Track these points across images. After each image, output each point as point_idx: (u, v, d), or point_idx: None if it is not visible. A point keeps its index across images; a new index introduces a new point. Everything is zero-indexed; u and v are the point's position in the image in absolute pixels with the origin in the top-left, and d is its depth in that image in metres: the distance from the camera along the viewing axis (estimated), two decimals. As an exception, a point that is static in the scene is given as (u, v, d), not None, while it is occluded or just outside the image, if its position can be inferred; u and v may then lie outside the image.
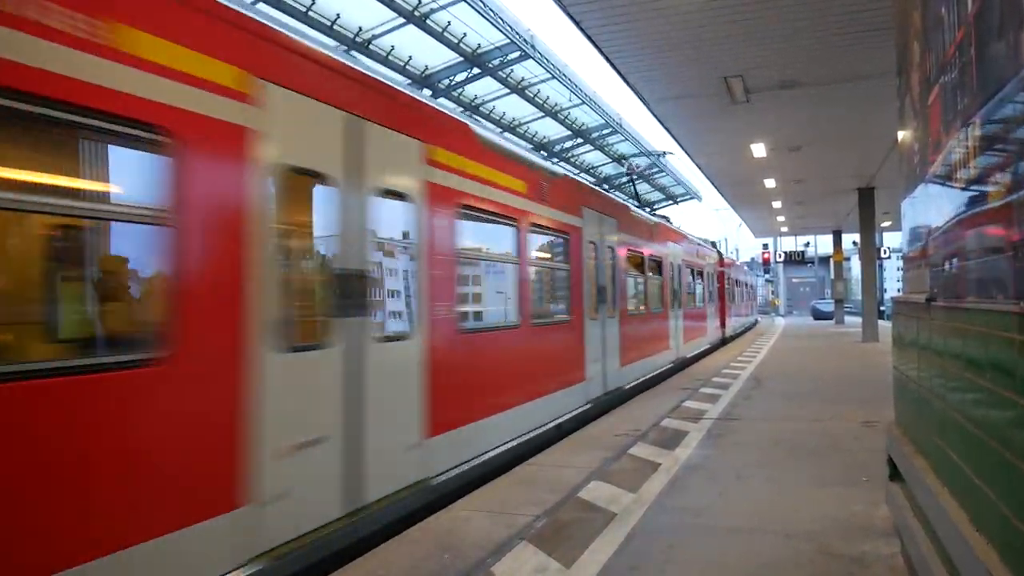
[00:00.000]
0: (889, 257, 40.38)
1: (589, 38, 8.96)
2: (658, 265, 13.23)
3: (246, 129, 3.52)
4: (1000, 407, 1.68)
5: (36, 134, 2.93)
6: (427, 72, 14.87)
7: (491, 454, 5.97)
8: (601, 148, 22.70)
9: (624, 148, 23.15)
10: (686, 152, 15.60)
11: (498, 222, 6.57)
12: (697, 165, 17.25)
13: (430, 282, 5.14)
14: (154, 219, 3.10)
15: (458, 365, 5.52)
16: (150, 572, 2.91)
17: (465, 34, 13.87)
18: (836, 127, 13.60)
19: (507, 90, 16.83)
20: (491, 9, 13.18)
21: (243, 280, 3.46)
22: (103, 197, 3.36)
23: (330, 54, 4.39)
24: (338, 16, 12.49)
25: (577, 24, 8.48)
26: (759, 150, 15.10)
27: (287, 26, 4.32)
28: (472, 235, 6.11)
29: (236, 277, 3.44)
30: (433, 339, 5.09)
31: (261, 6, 10.68)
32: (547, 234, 7.84)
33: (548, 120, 19.41)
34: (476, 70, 15.27)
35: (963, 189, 2.11)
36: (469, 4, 12.76)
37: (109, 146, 3.21)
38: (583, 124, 20.54)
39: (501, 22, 13.63)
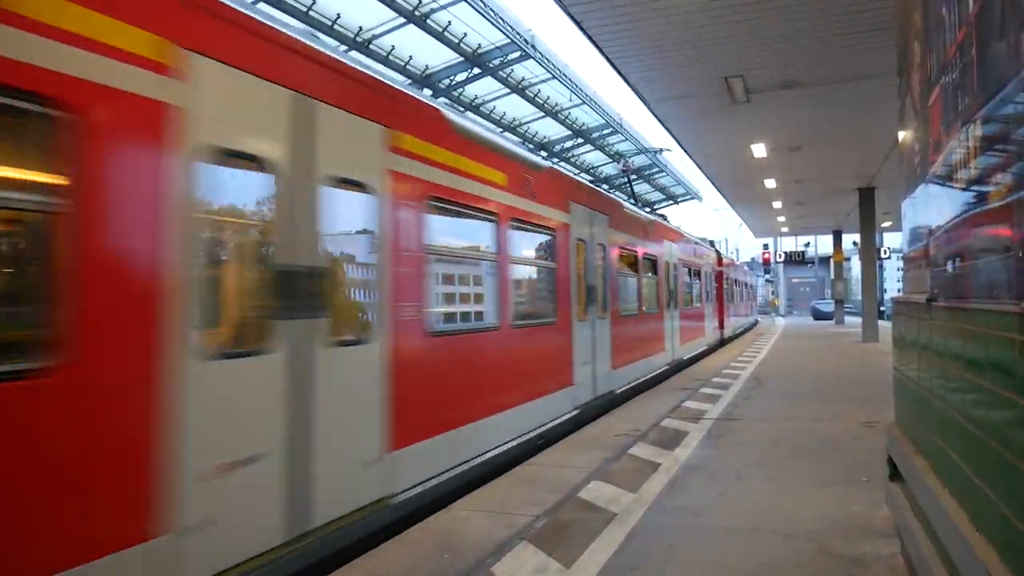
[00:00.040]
0: (889, 257, 40.39)
1: (590, 38, 8.96)
2: (653, 264, 12.88)
3: (166, 105, 3.09)
4: (1000, 407, 1.68)
5: None
6: (427, 72, 14.88)
7: (465, 466, 5.51)
8: (601, 148, 22.71)
9: (624, 148, 23.16)
10: (686, 152, 15.60)
11: (475, 217, 6.11)
12: (697, 165, 17.25)
13: (394, 281, 4.69)
14: (46, 205, 2.69)
15: (428, 371, 5.08)
16: None
17: (465, 34, 13.88)
18: (836, 127, 13.60)
19: (507, 90, 16.85)
20: (491, 9, 13.19)
21: (159, 277, 3.04)
22: None
23: (274, 26, 3.91)
24: (338, 16, 12.50)
25: (578, 24, 8.48)
26: (759, 150, 15.10)
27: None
28: (445, 230, 5.73)
29: (150, 273, 3.02)
30: (398, 343, 4.65)
31: (262, 6, 10.68)
32: (531, 230, 7.36)
33: (548, 120, 19.43)
34: (476, 70, 15.28)
35: (964, 189, 2.11)
36: (469, 4, 12.77)
37: None
38: (583, 124, 20.55)
39: (501, 22, 13.64)
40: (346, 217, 4.48)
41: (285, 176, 3.77)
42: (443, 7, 12.82)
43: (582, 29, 8.64)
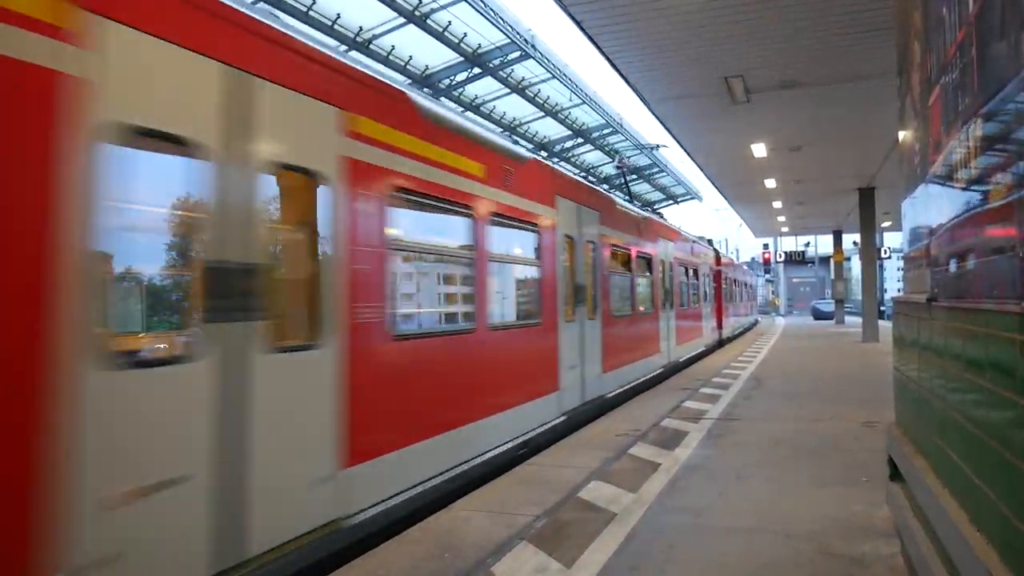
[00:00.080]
0: (889, 257, 40.42)
1: (590, 38, 8.96)
2: (648, 263, 12.47)
3: (62, 76, 2.71)
4: (1001, 407, 1.68)
5: None
6: (427, 72, 14.89)
7: (435, 481, 5.06)
8: (601, 148, 22.72)
9: (625, 148, 23.16)
10: (686, 152, 15.60)
11: (448, 211, 5.65)
12: (697, 165, 17.25)
13: (351, 279, 4.24)
14: None
15: (391, 378, 4.65)
16: None
17: (466, 34, 13.88)
18: (836, 127, 13.60)
19: (507, 90, 16.86)
20: (491, 9, 13.20)
21: (48, 275, 2.64)
22: None
23: None
24: (338, 16, 12.51)
25: (578, 24, 8.48)
26: (759, 150, 15.10)
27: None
28: (412, 225, 5.33)
29: (36, 271, 2.62)
30: (355, 347, 4.20)
31: (262, 6, 10.68)
32: (513, 226, 6.88)
33: (548, 120, 19.44)
34: (476, 70, 15.29)
35: (964, 189, 2.11)
36: (469, 4, 12.78)
37: None
38: (583, 124, 20.56)
39: (501, 22, 13.65)
40: (292, 208, 4.10)
41: (216, 160, 3.36)
42: (443, 7, 12.83)
43: (582, 29, 8.64)
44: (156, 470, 2.99)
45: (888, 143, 14.13)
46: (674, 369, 13.71)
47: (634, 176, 26.24)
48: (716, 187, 21.27)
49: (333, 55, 4.44)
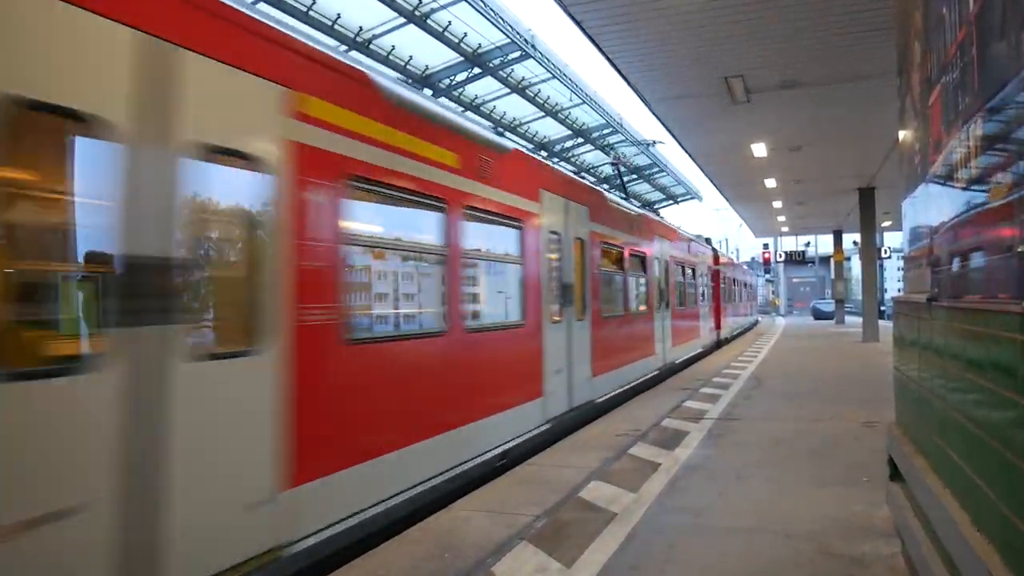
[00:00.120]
0: (889, 257, 40.43)
1: (590, 38, 8.96)
2: (642, 261, 12.03)
3: None
4: (1001, 407, 1.68)
5: None
6: (428, 72, 14.89)
7: (399, 499, 4.59)
8: (601, 148, 22.72)
9: (625, 148, 23.17)
10: (686, 152, 15.60)
11: (416, 203, 5.22)
12: (697, 165, 17.25)
13: (298, 277, 3.81)
14: None
15: (345, 386, 4.20)
16: None
17: (466, 34, 13.88)
18: (837, 127, 13.60)
19: (507, 90, 16.85)
20: (491, 9, 13.20)
21: None
22: None
23: None
24: (339, 16, 12.51)
25: (578, 24, 8.48)
26: (759, 150, 15.11)
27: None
28: (373, 218, 4.93)
29: None
30: (301, 353, 3.77)
31: (262, 6, 10.68)
32: (492, 221, 6.43)
33: (548, 120, 19.44)
34: (477, 70, 15.29)
35: (964, 189, 2.11)
36: (470, 4, 12.78)
37: None
38: (583, 124, 20.56)
39: (502, 22, 13.65)
40: (225, 196, 3.65)
41: (125, 140, 2.93)
42: (443, 7, 12.83)
43: (582, 29, 8.64)
44: (42, 500, 2.59)
45: (888, 143, 14.13)
46: (670, 371, 13.40)
47: (634, 176, 26.24)
48: (716, 187, 21.27)
49: (278, 28, 3.96)
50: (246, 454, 3.46)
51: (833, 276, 33.55)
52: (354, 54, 12.17)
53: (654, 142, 20.16)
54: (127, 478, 2.86)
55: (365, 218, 4.74)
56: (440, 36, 13.54)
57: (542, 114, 18.84)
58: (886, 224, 29.89)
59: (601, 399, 9.16)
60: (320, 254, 4.04)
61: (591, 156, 23.62)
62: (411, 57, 14.34)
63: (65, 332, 2.99)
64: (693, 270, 17.06)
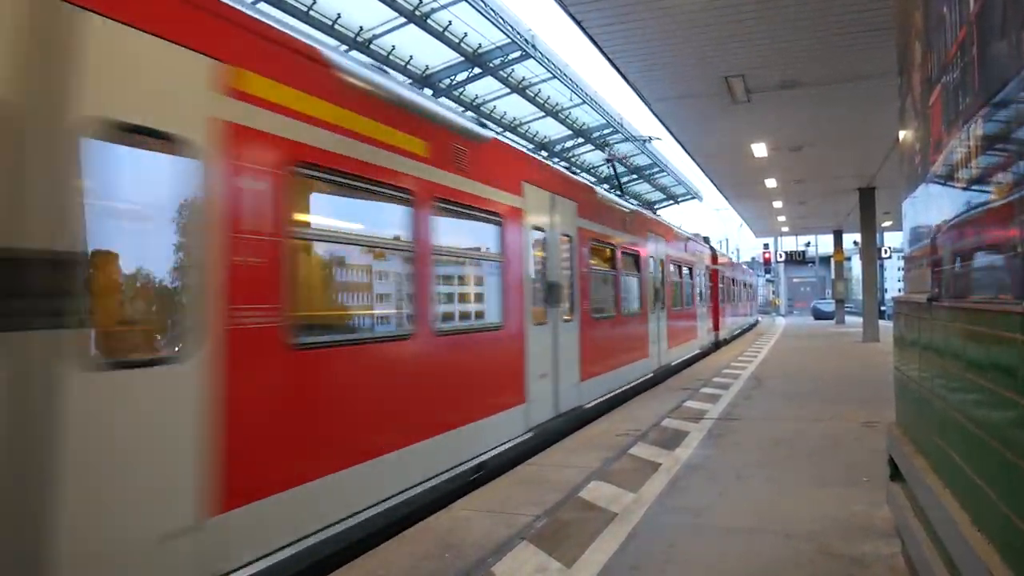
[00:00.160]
0: (890, 257, 40.42)
1: (590, 38, 8.96)
2: (635, 260, 11.61)
3: None
4: (1001, 407, 1.68)
5: None
6: (428, 72, 14.90)
7: (351, 522, 4.09)
8: (601, 148, 22.73)
9: (625, 148, 23.18)
10: (687, 152, 15.61)
11: (377, 194, 4.75)
12: (697, 165, 17.26)
13: (230, 274, 3.39)
14: None
15: (288, 398, 3.79)
16: None
17: (466, 34, 13.89)
18: (837, 127, 13.61)
19: (508, 90, 16.87)
20: (492, 9, 13.21)
21: None
22: None
23: None
24: (339, 16, 12.51)
25: (578, 24, 8.49)
26: (760, 150, 15.11)
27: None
28: (325, 209, 4.56)
29: None
30: (233, 360, 3.35)
31: (262, 6, 10.69)
32: (467, 215, 5.96)
33: (549, 120, 19.45)
34: (477, 70, 15.30)
35: (964, 189, 2.11)
36: (470, 4, 12.79)
37: None
38: (584, 124, 20.56)
39: (502, 22, 13.66)
40: (136, 181, 3.22)
41: (7, 114, 2.57)
42: (443, 7, 12.84)
43: (582, 29, 8.64)
44: None
45: (888, 143, 14.14)
46: (666, 374, 13.08)
47: (634, 176, 26.24)
48: (716, 187, 21.28)
49: None
50: (162, 477, 3.01)
51: (833, 276, 33.55)
52: (354, 54, 12.18)
53: (651, 138, 20.05)
54: (10, 506, 2.48)
55: (316, 210, 4.35)
56: (440, 36, 13.55)
57: (542, 114, 18.85)
58: (886, 224, 29.90)
59: (590, 404, 8.71)
60: (258, 249, 3.59)
61: (591, 156, 23.63)
62: (411, 57, 14.35)
63: None
64: (690, 269, 16.76)
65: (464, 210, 5.85)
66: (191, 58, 3.23)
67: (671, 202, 31.73)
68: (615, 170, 18.81)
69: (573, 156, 22.91)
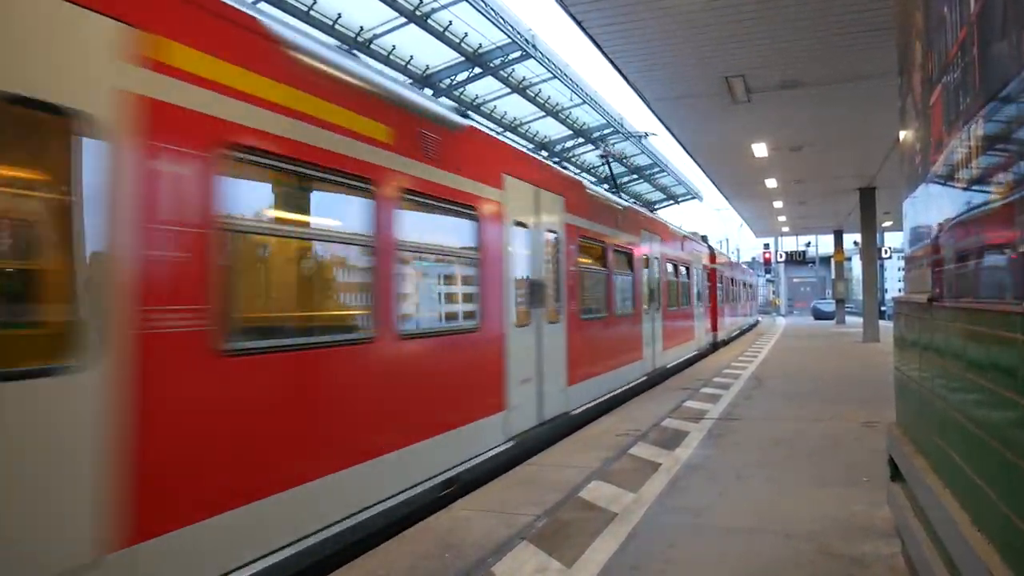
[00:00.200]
0: (890, 257, 40.40)
1: (590, 38, 8.97)
2: (628, 258, 11.19)
3: None
4: (1001, 407, 1.68)
5: None
6: (428, 72, 14.89)
7: (288, 551, 3.61)
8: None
9: (625, 148, 23.18)
10: (687, 152, 15.61)
11: (329, 182, 4.30)
12: (698, 165, 17.26)
13: (144, 271, 2.96)
14: None
15: (217, 411, 3.33)
16: None
17: (466, 34, 13.88)
18: (837, 127, 13.61)
19: (508, 90, 16.86)
20: (492, 9, 13.21)
21: None
22: None
23: None
24: (339, 16, 12.51)
25: (579, 24, 8.49)
26: (760, 150, 15.11)
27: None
28: (266, 198, 4.08)
29: None
30: (147, 369, 2.92)
31: (263, 6, 10.69)
32: (437, 208, 5.49)
33: (549, 120, 19.45)
34: (477, 70, 15.29)
35: (965, 189, 2.11)
36: (470, 3, 12.78)
37: None
38: (584, 124, 20.56)
39: (502, 22, 13.66)
40: (25, 161, 2.85)
41: None
42: (444, 7, 12.83)
43: (583, 29, 8.64)
44: None
45: (888, 143, 14.14)
46: (661, 376, 12.73)
47: (635, 176, 26.24)
48: (716, 187, 21.27)
49: None
50: (51, 506, 2.59)
51: (834, 276, 33.54)
52: (355, 53, 12.18)
53: (647, 134, 19.95)
54: None
55: (255, 199, 3.90)
56: (441, 36, 13.55)
57: (543, 114, 18.85)
58: (887, 224, 29.90)
59: (578, 410, 8.29)
60: (180, 242, 3.16)
61: (592, 156, 23.62)
62: (412, 57, 14.35)
63: None
64: (687, 269, 16.47)
65: (435, 203, 5.42)
66: (94, 21, 2.80)
67: (671, 202, 31.72)
68: (609, 166, 18.61)
69: (573, 156, 22.91)
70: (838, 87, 10.90)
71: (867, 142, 14.74)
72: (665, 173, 27.49)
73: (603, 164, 21.13)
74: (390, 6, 12.34)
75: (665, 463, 5.97)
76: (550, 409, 7.45)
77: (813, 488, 5.14)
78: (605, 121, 20.43)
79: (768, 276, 65.75)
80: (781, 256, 46.20)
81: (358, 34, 13.05)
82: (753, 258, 61.89)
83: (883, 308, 28.29)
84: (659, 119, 12.73)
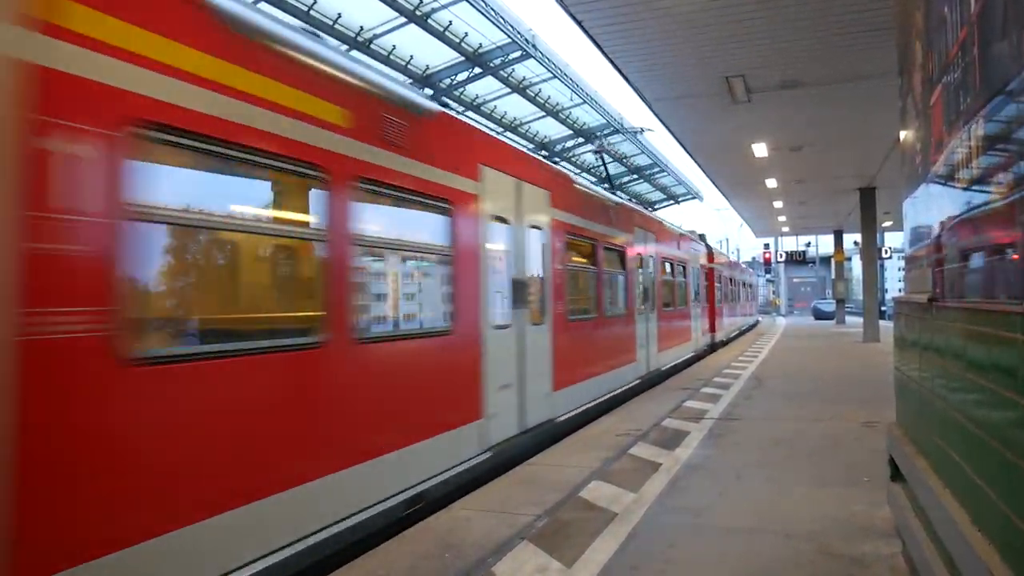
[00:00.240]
0: (890, 257, 40.41)
1: (591, 38, 8.97)
2: (621, 257, 10.78)
3: None
4: (1001, 407, 1.68)
5: None
6: (428, 72, 14.89)
7: None
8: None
9: (625, 148, 23.18)
10: (687, 152, 15.61)
11: (275, 169, 3.87)
12: (698, 164, 17.27)
13: (29, 266, 2.55)
14: None
15: (117, 428, 2.87)
16: None
17: (467, 33, 13.88)
18: (837, 127, 13.61)
19: (508, 89, 16.86)
20: (492, 8, 13.20)
21: None
22: None
23: None
24: (339, 16, 12.51)
25: (579, 24, 8.49)
26: (760, 150, 15.11)
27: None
28: (193, 185, 3.61)
29: None
30: (37, 382, 2.54)
31: (263, 5, 10.69)
32: (403, 200, 5.09)
33: (549, 120, 19.44)
34: (477, 70, 15.29)
35: (965, 189, 2.11)
36: (470, 3, 12.78)
37: None
38: (584, 124, 20.56)
39: (502, 21, 13.65)
40: None
41: None
42: (444, 7, 12.82)
43: (583, 29, 8.64)
44: None
45: (888, 143, 14.14)
46: (657, 378, 12.32)
47: (635, 176, 26.23)
48: (716, 187, 21.28)
49: None
50: None
51: (834, 276, 33.53)
52: (355, 54, 12.17)
53: (642, 129, 19.81)
54: None
55: (178, 186, 3.47)
56: (441, 36, 13.54)
57: (543, 114, 18.84)
58: (887, 224, 29.90)
59: (564, 417, 7.81)
60: (75, 234, 2.73)
61: (592, 156, 23.62)
62: (412, 57, 14.34)
63: None
64: (684, 268, 16.01)
65: (400, 195, 4.99)
66: None
67: (671, 202, 31.72)
68: (604, 162, 18.31)
69: (573, 156, 22.90)
70: (838, 87, 10.91)
71: (867, 142, 14.74)
72: (665, 173, 27.48)
73: (597, 159, 20.64)
74: (390, 6, 12.34)
75: (665, 463, 5.97)
76: (534, 416, 7.00)
77: (813, 488, 5.14)
78: (605, 121, 20.43)
79: (768, 276, 65.76)
80: (781, 256, 46.20)
81: (358, 34, 13.04)
82: (753, 258, 61.91)
83: (883, 308, 28.29)
84: (659, 119, 12.74)
